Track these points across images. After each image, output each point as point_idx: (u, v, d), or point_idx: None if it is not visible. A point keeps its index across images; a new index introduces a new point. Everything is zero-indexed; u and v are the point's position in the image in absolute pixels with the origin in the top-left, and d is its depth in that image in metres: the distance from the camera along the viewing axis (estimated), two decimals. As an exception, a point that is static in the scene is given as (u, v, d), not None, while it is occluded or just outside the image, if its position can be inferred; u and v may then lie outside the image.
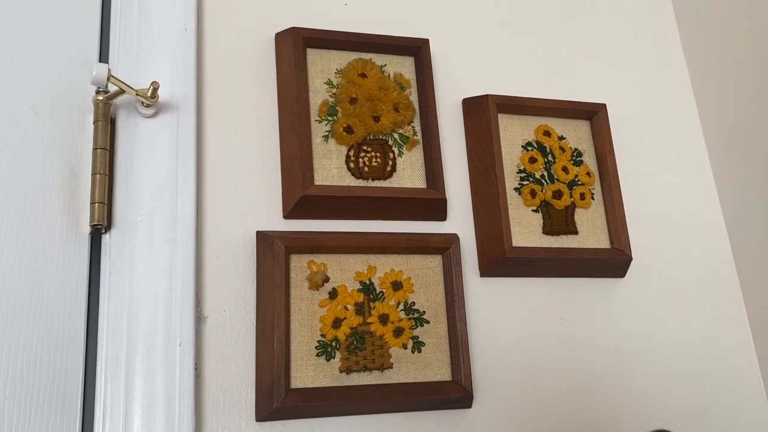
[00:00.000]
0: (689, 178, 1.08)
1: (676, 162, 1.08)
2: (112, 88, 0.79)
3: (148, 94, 0.79)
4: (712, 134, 1.09)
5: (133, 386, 0.73)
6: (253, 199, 0.86)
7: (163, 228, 0.79)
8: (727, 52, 1.07)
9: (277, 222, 0.85)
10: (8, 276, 0.73)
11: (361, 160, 0.88)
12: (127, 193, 0.79)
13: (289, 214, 0.85)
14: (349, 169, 0.87)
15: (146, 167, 0.81)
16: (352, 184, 0.87)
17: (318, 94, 0.89)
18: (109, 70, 0.76)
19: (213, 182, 0.85)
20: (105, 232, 0.78)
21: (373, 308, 0.82)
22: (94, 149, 0.78)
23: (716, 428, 0.94)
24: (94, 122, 0.80)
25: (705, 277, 1.02)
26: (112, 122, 0.82)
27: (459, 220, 0.93)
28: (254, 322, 0.80)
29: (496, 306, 0.90)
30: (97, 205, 0.76)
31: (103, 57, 0.85)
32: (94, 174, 0.78)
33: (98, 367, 0.74)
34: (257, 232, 0.83)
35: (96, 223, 0.76)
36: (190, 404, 0.74)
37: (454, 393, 0.80)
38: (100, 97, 0.80)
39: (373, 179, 0.88)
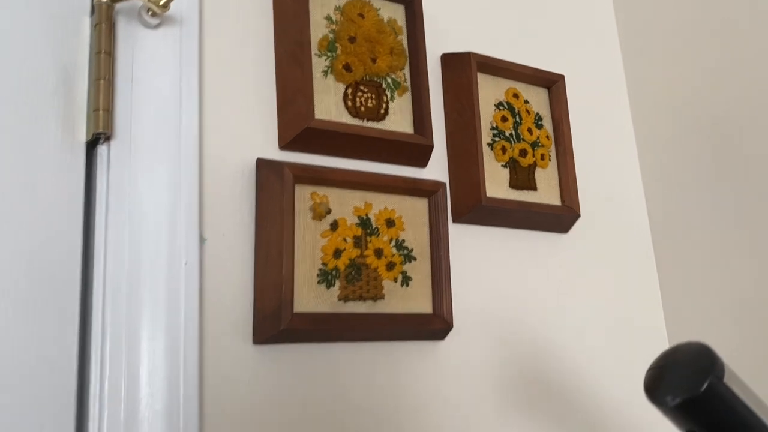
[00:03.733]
0: (622, 153, 1.21)
1: (615, 136, 1.21)
2: (120, -10, 0.74)
3: (161, 3, 0.75)
4: (639, 117, 1.24)
5: (139, 306, 0.70)
6: (249, 126, 0.85)
7: (168, 143, 0.76)
8: (660, 39, 1.21)
9: (272, 152, 0.85)
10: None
11: (358, 99, 0.90)
12: (129, 104, 0.75)
13: (286, 146, 0.85)
14: (346, 107, 0.89)
15: (149, 78, 0.77)
16: (349, 122, 0.88)
17: (318, 28, 0.89)
18: (129, -32, 0.71)
19: (211, 106, 0.83)
20: (103, 143, 0.73)
21: (370, 242, 0.85)
22: (96, 53, 0.73)
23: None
24: (96, 24, 0.74)
25: (626, 245, 1.16)
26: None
27: (435, 168, 0.98)
28: (252, 247, 0.80)
29: (465, 251, 0.97)
30: (101, 112, 0.72)
31: (97, -44, 0.79)
32: (97, 80, 0.72)
33: (95, 286, 0.70)
34: (258, 159, 0.82)
35: (99, 131, 0.71)
36: (195, 325, 0.73)
37: (437, 325, 0.86)
38: (104, -2, 0.74)
39: (368, 120, 0.90)
